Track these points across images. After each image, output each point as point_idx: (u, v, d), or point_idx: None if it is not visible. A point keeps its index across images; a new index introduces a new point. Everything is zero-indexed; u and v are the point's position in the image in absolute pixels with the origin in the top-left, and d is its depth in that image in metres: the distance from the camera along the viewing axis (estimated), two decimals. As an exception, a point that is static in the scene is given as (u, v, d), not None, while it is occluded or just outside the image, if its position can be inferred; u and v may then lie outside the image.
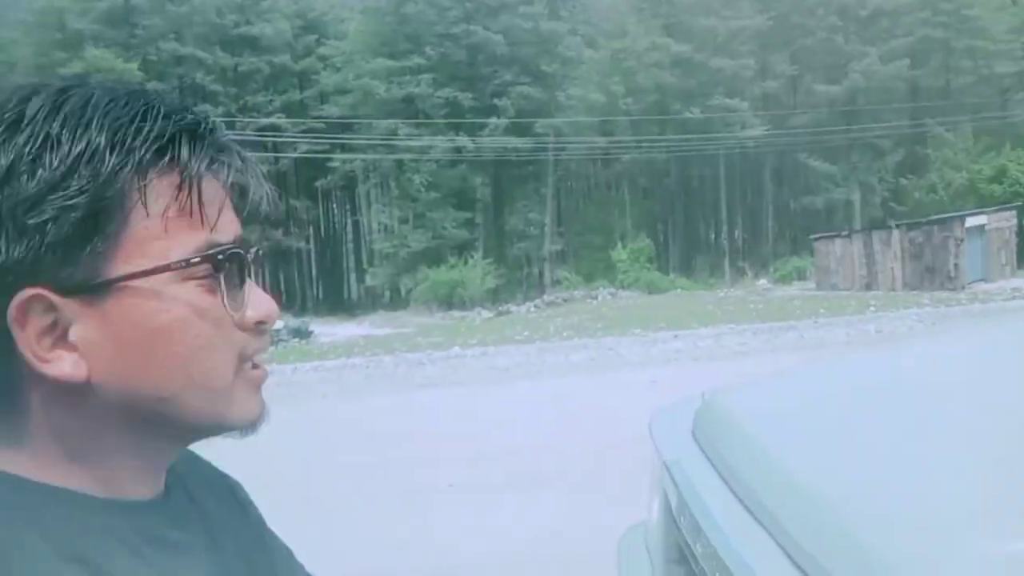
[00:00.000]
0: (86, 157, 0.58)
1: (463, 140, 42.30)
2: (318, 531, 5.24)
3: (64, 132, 0.58)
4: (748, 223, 49.68)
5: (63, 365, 0.60)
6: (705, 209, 50.68)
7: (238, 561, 0.74)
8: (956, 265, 24.22)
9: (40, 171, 0.58)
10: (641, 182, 49.03)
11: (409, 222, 43.38)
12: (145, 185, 0.60)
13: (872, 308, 17.06)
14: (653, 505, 2.39)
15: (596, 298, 34.20)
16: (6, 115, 0.59)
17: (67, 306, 0.60)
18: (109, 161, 0.59)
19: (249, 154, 0.68)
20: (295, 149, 42.85)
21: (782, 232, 49.15)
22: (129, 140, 0.60)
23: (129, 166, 0.60)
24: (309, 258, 49.69)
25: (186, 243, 0.62)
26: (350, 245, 52.03)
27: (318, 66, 45.03)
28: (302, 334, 24.92)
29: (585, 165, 48.72)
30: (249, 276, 0.67)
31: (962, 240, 24.13)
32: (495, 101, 43.40)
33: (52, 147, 0.58)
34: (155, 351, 0.62)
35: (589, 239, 45.39)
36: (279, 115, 43.49)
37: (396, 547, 4.84)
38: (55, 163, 0.58)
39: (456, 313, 32.56)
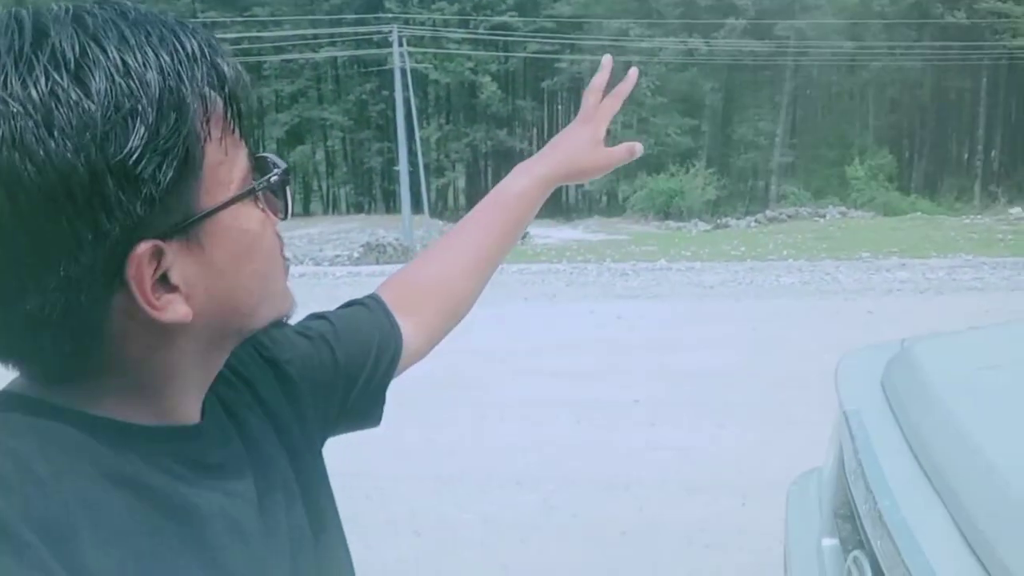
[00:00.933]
0: (167, 94, 0.56)
1: (696, 42, 40.60)
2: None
3: (134, 68, 0.55)
4: (1007, 144, 44.79)
5: (175, 308, 0.60)
6: (960, 126, 46.19)
7: (277, 474, 0.75)
8: None
9: (131, 119, 0.55)
10: (889, 92, 45.23)
11: (633, 127, 42.60)
12: (208, 110, 0.59)
13: None
14: (829, 453, 2.26)
15: (824, 216, 32.39)
16: (41, 58, 0.54)
17: (170, 250, 0.59)
18: (185, 93, 0.58)
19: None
20: (524, 48, 42.93)
21: (1049, 156, 44.08)
22: (187, 66, 0.58)
23: (199, 100, 0.59)
24: (531, 159, 50.26)
25: (238, 162, 0.63)
26: (572, 147, 52.12)
27: (553, -37, 44.53)
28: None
29: (828, 72, 45.46)
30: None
31: None
32: (735, 0, 41.19)
33: (132, 89, 0.55)
34: (241, 272, 0.64)
35: (823, 153, 42.76)
36: (511, 13, 43.58)
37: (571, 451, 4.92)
38: (144, 106, 0.55)
39: (672, 223, 32.03)
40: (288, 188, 0.68)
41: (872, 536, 1.61)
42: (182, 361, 0.64)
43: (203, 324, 0.63)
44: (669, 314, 9.53)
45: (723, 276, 11.78)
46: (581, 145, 1.17)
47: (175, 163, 0.57)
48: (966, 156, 46.22)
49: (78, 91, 0.53)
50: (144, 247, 0.57)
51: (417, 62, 37.15)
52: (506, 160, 47.84)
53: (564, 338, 8.24)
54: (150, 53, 0.56)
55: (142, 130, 0.55)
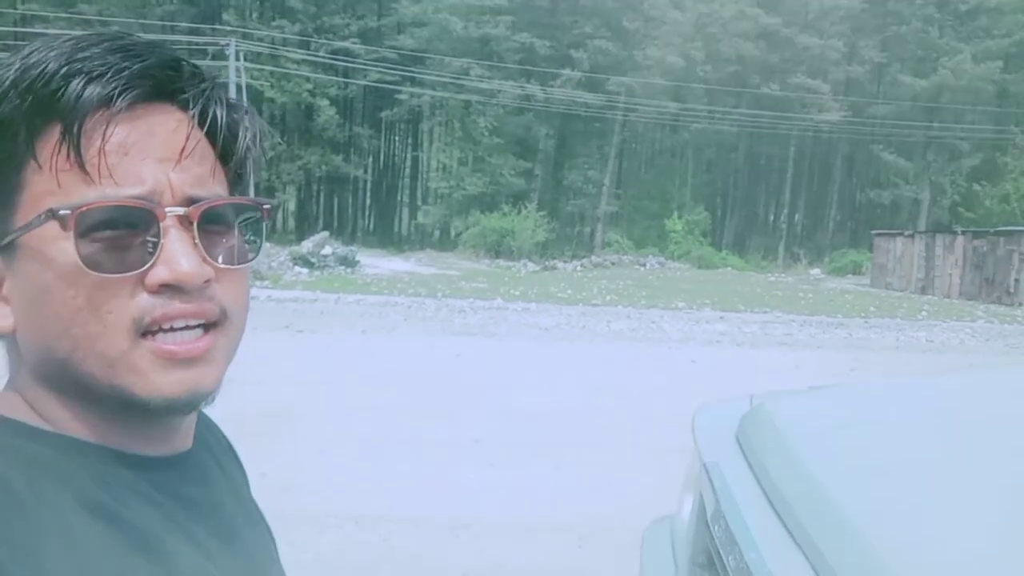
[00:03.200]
0: (3, 120, 0.58)
1: (533, 88, 41.83)
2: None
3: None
4: (810, 209, 48.76)
5: (2, 316, 0.62)
6: (768, 189, 49.83)
7: (245, 524, 0.76)
8: (1017, 280, 23.60)
9: None
10: (706, 153, 48.28)
11: (468, 164, 43.24)
12: (34, 140, 0.58)
13: (924, 313, 16.69)
14: (685, 502, 2.36)
15: (644, 265, 34.02)
16: None
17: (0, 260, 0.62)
18: (16, 123, 0.58)
19: (229, 95, 0.65)
20: (365, 76, 42.71)
21: (843, 223, 48.23)
22: (19, 91, 0.58)
23: (16, 121, 0.58)
24: (365, 188, 49.84)
25: (76, 198, 0.58)
26: (407, 180, 52.06)
27: (399, -5, 44.71)
28: (348, 263, 25.15)
29: (652, 129, 48.00)
30: (189, 233, 0.61)
31: (1028, 256, 23.48)
32: (571, 52, 42.76)
33: None
34: (46, 306, 0.60)
35: (645, 205, 44.95)
36: (354, 40, 43.33)
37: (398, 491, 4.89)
38: None
39: (502, 262, 32.59)
40: (162, 243, 0.60)
41: (738, 585, 1.70)
42: (50, 385, 0.63)
43: (29, 348, 0.62)
44: (507, 354, 9.66)
45: (557, 319, 12.10)
46: None
47: None
48: (772, 218, 49.86)
49: None
50: None
51: (253, 79, 36.13)
52: (339, 186, 47.22)
53: (404, 373, 8.19)
54: (9, 77, 0.59)
55: None
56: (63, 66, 0.58)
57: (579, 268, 31.91)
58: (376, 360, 8.90)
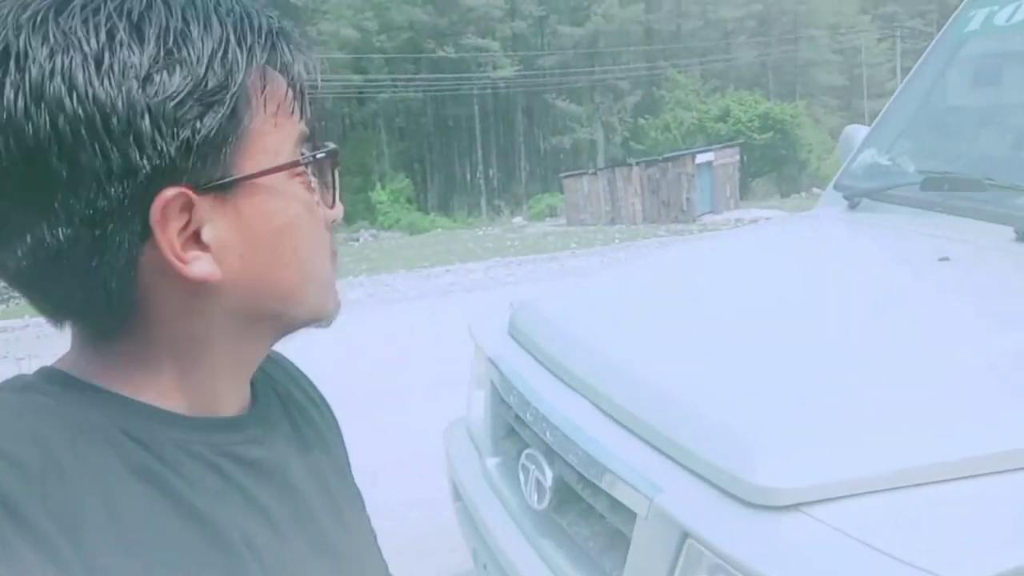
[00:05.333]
0: (220, 53, 0.59)
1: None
2: None
3: (193, 27, 0.58)
4: (502, 162, 51.13)
5: (202, 265, 0.60)
6: (461, 149, 51.50)
7: (315, 487, 0.74)
8: (688, 199, 26.43)
9: (179, 67, 0.57)
10: (397, 122, 48.95)
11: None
12: (265, 82, 0.62)
13: (618, 240, 18.46)
14: (476, 397, 2.75)
15: (358, 239, 34.05)
16: (109, 6, 0.57)
17: (202, 204, 0.59)
18: (240, 57, 0.60)
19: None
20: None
21: (534, 171, 51.04)
22: (249, 37, 0.61)
23: (253, 63, 0.61)
24: None
25: (289, 140, 0.64)
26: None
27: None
28: None
29: (340, 104, 47.77)
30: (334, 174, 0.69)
31: (693, 175, 26.36)
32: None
33: (185, 42, 0.58)
34: (280, 248, 0.63)
35: (348, 180, 44.78)
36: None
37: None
38: (193, 58, 0.57)
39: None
40: (336, 172, 0.69)
41: (540, 432, 2.13)
42: (213, 334, 0.64)
43: (236, 294, 0.63)
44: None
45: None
46: None
47: (219, 118, 0.58)
48: (470, 176, 51.72)
49: (133, 37, 0.56)
50: (172, 192, 0.57)
51: None
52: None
53: None
54: (213, 18, 0.59)
55: (188, 78, 0.57)
56: (271, 23, 0.63)
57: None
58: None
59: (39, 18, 0.56)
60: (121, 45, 0.56)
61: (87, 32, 0.55)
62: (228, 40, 0.59)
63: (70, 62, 0.55)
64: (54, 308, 0.62)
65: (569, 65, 46.81)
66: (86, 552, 0.53)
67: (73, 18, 0.56)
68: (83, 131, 0.55)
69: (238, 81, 0.59)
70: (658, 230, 22.03)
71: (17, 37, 0.55)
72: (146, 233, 0.58)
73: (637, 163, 29.16)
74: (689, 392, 1.87)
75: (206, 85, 0.57)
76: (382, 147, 47.39)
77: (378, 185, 41.09)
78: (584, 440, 1.96)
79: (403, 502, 4.06)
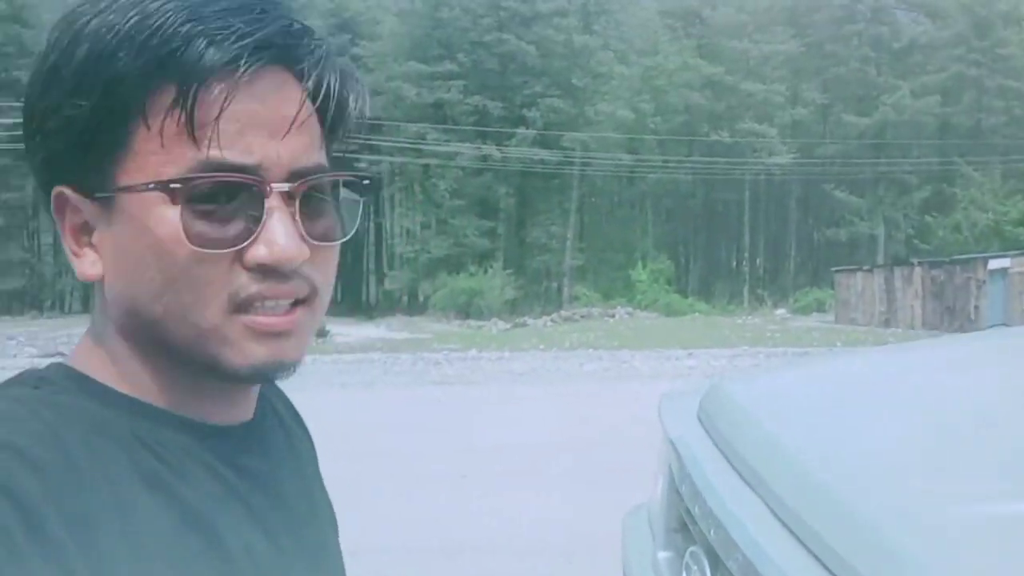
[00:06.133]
0: (96, 67, 0.57)
1: (490, 148, 42.53)
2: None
3: (83, 41, 0.58)
4: (770, 251, 49.65)
5: (84, 263, 0.62)
6: (728, 234, 50.69)
7: (304, 500, 0.74)
8: (976, 307, 24.15)
9: (58, 79, 0.59)
10: (665, 203, 49.16)
11: (432, 228, 43.66)
12: (145, 98, 0.57)
13: (891, 344, 17.15)
14: (657, 481, 2.55)
15: (614, 316, 34.29)
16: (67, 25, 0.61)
17: (87, 208, 0.61)
18: (112, 70, 0.57)
19: (340, 62, 0.64)
20: (324, 148, 43.16)
21: (804, 263, 49.09)
22: (135, 44, 0.57)
23: (130, 77, 0.57)
24: (330, 258, 49.82)
25: (179, 161, 0.57)
26: (372, 248, 52.22)
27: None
28: (320, 333, 25.12)
29: (610, 182, 48.86)
30: (291, 209, 0.59)
31: (984, 281, 24.06)
32: (524, 112, 43.65)
33: (71, 56, 0.59)
34: (139, 269, 0.59)
35: (609, 256, 45.51)
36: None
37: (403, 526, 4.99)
38: (69, 73, 0.58)
39: (473, 322, 32.67)
40: (264, 219, 0.59)
41: (705, 529, 1.89)
42: (132, 333, 0.63)
43: (119, 302, 0.62)
44: (486, 398, 9.82)
45: (531, 364, 12.27)
46: None
47: (80, 128, 0.58)
48: (735, 263, 50.65)
49: (69, 40, 0.59)
50: (56, 190, 0.61)
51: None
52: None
53: (389, 421, 8.28)
54: (112, 27, 0.57)
55: (60, 89, 0.59)
56: (184, 23, 0.56)
57: (549, 323, 32.10)
58: (358, 411, 9.01)
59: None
60: (60, 44, 0.61)
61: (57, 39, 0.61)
62: (106, 53, 0.57)
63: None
64: None
65: (851, 155, 44.83)
66: (94, 557, 0.52)
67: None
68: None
69: (103, 95, 0.57)
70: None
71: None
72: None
73: (920, 263, 27.25)
74: (879, 516, 1.56)
75: (75, 97, 0.58)
76: (647, 226, 47.68)
77: (639, 264, 41.21)
78: (747, 544, 1.70)
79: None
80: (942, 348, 3.20)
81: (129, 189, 0.58)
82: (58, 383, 0.61)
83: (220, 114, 0.57)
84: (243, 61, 0.57)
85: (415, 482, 5.94)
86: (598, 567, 4.06)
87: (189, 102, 0.56)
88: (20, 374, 0.63)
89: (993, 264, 24.62)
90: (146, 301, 0.60)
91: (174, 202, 0.57)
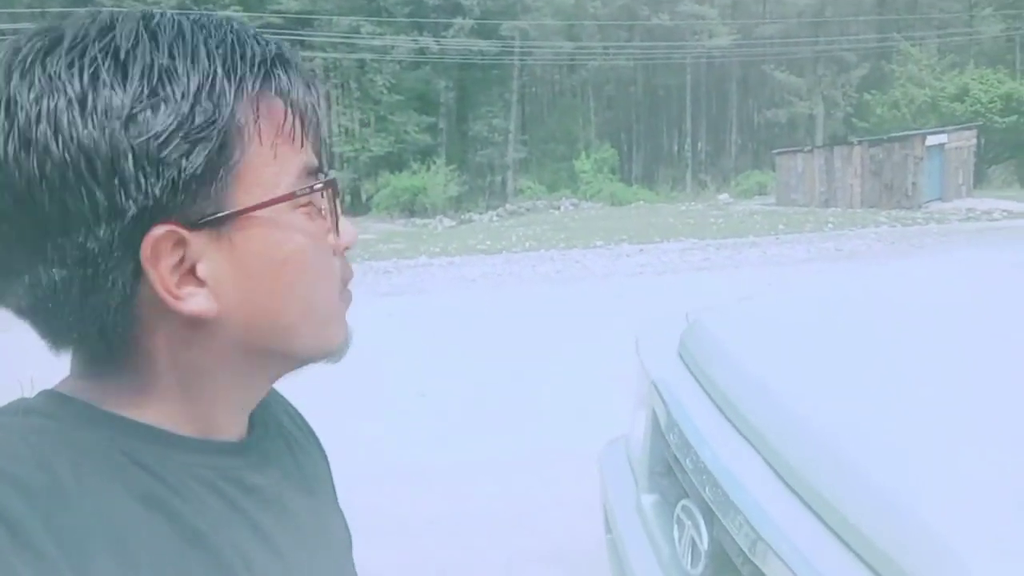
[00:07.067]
0: (207, 88, 0.58)
1: (427, 40, 41.25)
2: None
3: (179, 62, 0.58)
4: (711, 135, 49.65)
5: (197, 300, 0.60)
6: (669, 120, 50.47)
7: (310, 516, 0.74)
8: (914, 184, 24.53)
9: (164, 105, 0.57)
10: (606, 90, 48.56)
11: (371, 125, 42.57)
12: (259, 113, 0.60)
13: (831, 225, 17.30)
14: (637, 419, 2.49)
15: (559, 208, 34.24)
16: (96, 47, 0.57)
17: (195, 240, 0.59)
18: (228, 90, 0.59)
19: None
20: (252, 45, 41.51)
21: (744, 146, 49.26)
22: (240, 68, 0.60)
23: (244, 94, 0.60)
24: (267, 160, 48.74)
25: (290, 169, 0.63)
26: (310, 147, 51.00)
27: (277, -42, 43.30)
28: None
29: (550, 71, 48.02)
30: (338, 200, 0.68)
31: (921, 158, 24.39)
32: (460, 0, 42.27)
33: (171, 79, 0.57)
34: (279, 281, 0.63)
35: (552, 148, 45.07)
36: (235, 7, 41.86)
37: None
38: (178, 96, 0.57)
39: (418, 220, 32.36)
40: (337, 203, 0.67)
41: (699, 485, 1.83)
42: (213, 365, 0.64)
43: (234, 328, 0.62)
44: (439, 308, 9.71)
45: (483, 269, 12.14)
46: None
47: (206, 154, 0.58)
48: (677, 148, 50.60)
49: (117, 78, 0.56)
50: (160, 231, 0.57)
51: (136, 60, 34.73)
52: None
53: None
54: (201, 51, 0.59)
55: (171, 117, 0.56)
56: (265, 50, 0.62)
57: (495, 218, 31.93)
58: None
59: (28, 63, 0.57)
60: (104, 85, 0.56)
61: (71, 74, 0.56)
62: (216, 73, 0.59)
63: (55, 106, 0.55)
64: (54, 339, 0.62)
65: (791, 34, 44.48)
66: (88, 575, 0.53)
67: (59, 61, 0.56)
68: (69, 175, 0.56)
69: (226, 115, 0.59)
70: (877, 216, 20.55)
71: (8, 83, 0.56)
72: (139, 270, 0.59)
73: (859, 142, 27.51)
74: (888, 473, 1.51)
75: (192, 121, 0.57)
76: (589, 115, 47.17)
77: (583, 154, 40.93)
78: (748, 505, 1.64)
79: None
80: (915, 271, 3.17)
81: (263, 205, 0.61)
82: (46, 409, 0.61)
83: (307, 122, 0.64)
84: (303, 81, 0.64)
85: (373, 400, 5.89)
86: (569, 482, 4.09)
87: (295, 115, 0.62)
88: (8, 404, 0.62)
89: (931, 140, 24.92)
90: (285, 306, 0.64)
91: (295, 208, 0.63)
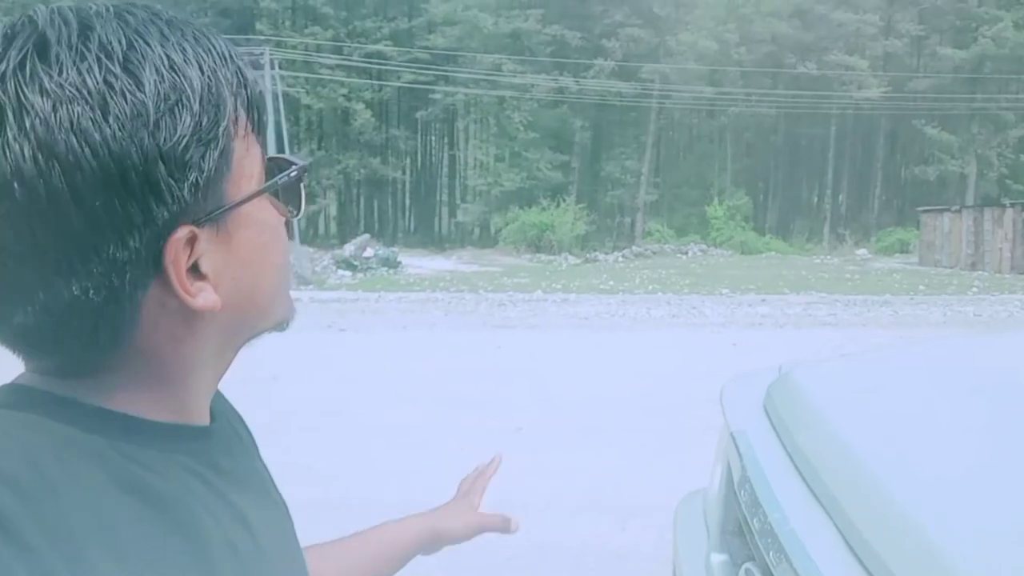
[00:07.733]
0: (209, 88, 0.59)
1: (566, 80, 41.75)
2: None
3: (178, 63, 0.58)
4: (854, 189, 48.03)
5: (206, 295, 0.61)
6: (810, 171, 49.16)
7: (266, 496, 0.76)
8: (1071, 251, 22.99)
9: (180, 108, 0.57)
10: (745, 137, 47.78)
11: (505, 160, 43.32)
12: (236, 113, 0.62)
13: (975, 289, 16.34)
14: (715, 473, 2.37)
15: (686, 253, 33.80)
16: (91, 48, 0.55)
17: (203, 237, 0.60)
18: (223, 89, 0.60)
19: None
20: (399, 78, 43.00)
21: (889, 202, 47.44)
22: (221, 65, 0.61)
23: (231, 94, 0.61)
24: (404, 189, 50.20)
25: (258, 158, 0.65)
26: (445, 179, 52.21)
27: (428, -5, 44.89)
28: (391, 264, 25.35)
29: (689, 115, 47.62)
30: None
31: (1083, 226, 22.85)
32: (602, 42, 42.57)
33: (180, 81, 0.57)
34: (264, 264, 0.66)
35: (685, 192, 44.64)
36: (386, 42, 43.60)
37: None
38: (190, 98, 0.57)
39: (543, 256, 32.58)
40: (303, 185, 0.70)
41: (763, 548, 1.71)
42: (202, 355, 0.65)
43: (225, 316, 0.63)
44: (547, 344, 9.69)
45: (597, 308, 12.07)
46: (458, 508, 1.23)
47: (215, 154, 0.59)
48: (816, 200, 49.19)
49: (130, 82, 0.55)
50: (183, 232, 0.58)
51: (289, 86, 36.58)
52: (378, 188, 47.59)
53: (445, 366, 8.26)
54: (189, 51, 0.59)
55: (188, 120, 0.57)
56: (226, 44, 0.63)
57: (620, 259, 31.81)
58: (416, 355, 8.99)
59: (26, 68, 0.54)
60: (122, 92, 0.55)
61: (82, 79, 0.54)
62: (214, 72, 0.60)
63: (77, 115, 0.53)
64: (44, 352, 0.61)
65: (946, 90, 42.65)
66: (79, 567, 0.53)
67: (60, 63, 0.54)
68: (101, 186, 0.54)
69: (225, 114, 0.60)
70: (1027, 283, 19.27)
71: (4, 91, 0.53)
72: (156, 273, 0.58)
73: (1012, 204, 26.01)
74: (973, 565, 1.35)
75: (202, 124, 0.58)
76: (725, 162, 46.48)
77: (716, 200, 40.34)
78: (811, 574, 1.51)
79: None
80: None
81: (255, 196, 0.64)
82: (22, 402, 0.60)
83: (263, 111, 0.66)
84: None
85: (471, 434, 5.87)
86: (649, 536, 3.95)
87: (255, 99, 0.64)
88: None
89: (1094, 208, 23.31)
90: (264, 292, 0.67)
91: (275, 196, 0.67)
